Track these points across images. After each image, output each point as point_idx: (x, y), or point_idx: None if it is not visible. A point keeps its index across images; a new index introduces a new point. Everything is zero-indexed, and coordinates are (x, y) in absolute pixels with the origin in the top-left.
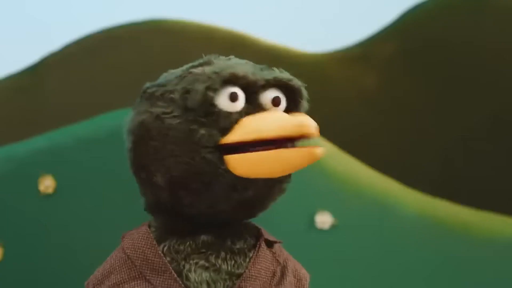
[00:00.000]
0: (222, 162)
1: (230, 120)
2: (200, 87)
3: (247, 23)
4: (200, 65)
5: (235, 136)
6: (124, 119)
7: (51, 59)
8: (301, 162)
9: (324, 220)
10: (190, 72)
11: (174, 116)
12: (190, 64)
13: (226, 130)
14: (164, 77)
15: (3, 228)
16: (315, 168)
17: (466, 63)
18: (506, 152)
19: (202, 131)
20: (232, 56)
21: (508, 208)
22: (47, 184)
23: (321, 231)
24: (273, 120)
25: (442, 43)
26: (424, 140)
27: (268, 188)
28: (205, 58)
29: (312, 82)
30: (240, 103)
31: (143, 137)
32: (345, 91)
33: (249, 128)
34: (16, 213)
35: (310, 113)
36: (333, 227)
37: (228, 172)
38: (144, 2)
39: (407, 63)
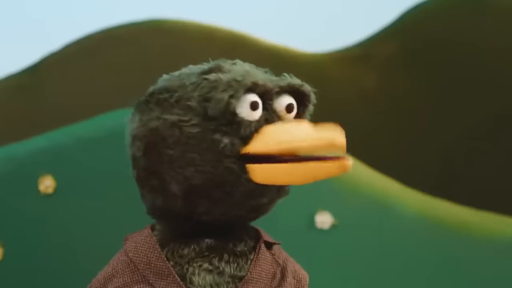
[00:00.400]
0: (245, 171)
1: (250, 129)
2: (223, 95)
3: (247, 23)
4: (212, 70)
5: (257, 146)
6: (124, 119)
7: (51, 59)
8: (331, 174)
9: (324, 220)
10: (206, 79)
11: (193, 125)
12: (199, 68)
13: (247, 139)
14: (170, 80)
15: (3, 228)
16: None
17: (466, 63)
18: (506, 152)
19: (225, 140)
20: (237, 60)
21: (508, 208)
22: (47, 184)
23: (321, 231)
24: (301, 132)
25: (442, 43)
26: (424, 140)
27: (279, 193)
28: (214, 63)
29: (312, 82)
30: (259, 111)
31: (157, 145)
32: (345, 91)
33: (274, 139)
34: (16, 213)
35: (311, 113)
36: (333, 227)
37: (249, 181)
38: (144, 2)
39: (407, 63)
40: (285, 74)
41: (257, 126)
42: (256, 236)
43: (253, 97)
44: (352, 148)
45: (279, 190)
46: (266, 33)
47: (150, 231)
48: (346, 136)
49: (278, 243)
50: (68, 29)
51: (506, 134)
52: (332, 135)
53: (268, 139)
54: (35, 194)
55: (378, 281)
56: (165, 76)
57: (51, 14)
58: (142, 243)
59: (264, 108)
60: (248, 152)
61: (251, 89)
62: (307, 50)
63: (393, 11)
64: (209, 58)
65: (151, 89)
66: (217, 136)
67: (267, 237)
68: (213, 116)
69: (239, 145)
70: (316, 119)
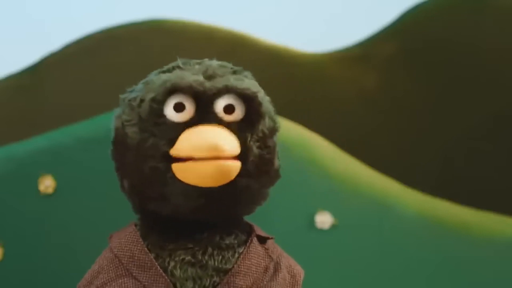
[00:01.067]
0: (169, 170)
1: (176, 131)
2: (147, 96)
3: (247, 23)
4: (165, 71)
5: (174, 150)
6: None
7: (51, 59)
8: (210, 175)
9: (324, 220)
10: (149, 81)
11: (132, 125)
12: (159, 70)
13: (173, 141)
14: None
15: (3, 228)
16: (315, 168)
17: (466, 63)
18: (507, 152)
19: (150, 141)
20: (204, 60)
21: (508, 208)
22: (47, 184)
23: (321, 231)
24: (195, 140)
25: (442, 43)
26: (424, 140)
27: (225, 196)
28: (176, 63)
29: (312, 82)
30: (188, 113)
31: (114, 143)
32: (345, 91)
33: (182, 144)
34: (16, 213)
35: (311, 113)
36: (333, 227)
37: (176, 180)
38: (144, 2)
39: (407, 63)
40: (242, 76)
41: (186, 127)
42: (249, 230)
43: (178, 99)
44: (352, 148)
45: (222, 193)
46: (266, 33)
47: (134, 227)
48: (346, 136)
49: (271, 238)
50: (68, 29)
51: (506, 134)
52: (215, 141)
53: (179, 145)
54: (35, 194)
55: (378, 281)
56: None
57: (51, 14)
58: (125, 238)
59: (201, 110)
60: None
61: (175, 91)
62: (307, 50)
63: (393, 11)
64: (209, 58)
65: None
66: (145, 135)
67: (260, 231)
68: (143, 117)
69: (164, 146)
70: (316, 119)
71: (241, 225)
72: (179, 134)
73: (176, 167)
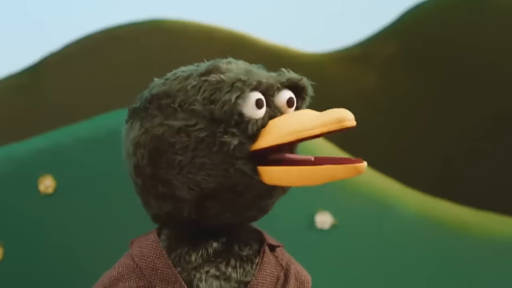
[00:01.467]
0: (256, 173)
1: (257, 127)
2: (228, 96)
3: (247, 23)
4: (210, 71)
5: (267, 140)
6: (124, 119)
7: (51, 59)
8: (344, 177)
9: (324, 220)
10: (206, 81)
11: (200, 129)
12: (195, 70)
13: (254, 137)
14: (162, 84)
15: (3, 228)
16: None
17: (466, 63)
18: (507, 152)
19: (235, 142)
20: (230, 58)
21: (508, 208)
22: (47, 184)
23: (321, 231)
24: (310, 118)
25: (442, 43)
26: (424, 140)
27: (284, 193)
28: (211, 63)
29: (312, 82)
30: (264, 108)
31: (163, 152)
32: (345, 91)
33: (284, 130)
34: (16, 213)
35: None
36: (333, 227)
37: (260, 182)
38: (144, 2)
39: (407, 63)
40: (283, 69)
41: (262, 123)
42: (260, 238)
43: (258, 95)
44: (352, 148)
45: (283, 189)
46: (266, 33)
47: (156, 236)
48: (346, 136)
49: (281, 246)
50: (68, 29)
51: (506, 134)
52: (338, 114)
53: (277, 132)
54: (35, 194)
55: (378, 281)
56: (157, 81)
57: (51, 14)
58: (148, 248)
59: (268, 105)
60: (258, 149)
61: (255, 87)
62: (307, 50)
63: (393, 11)
64: (209, 58)
65: (147, 94)
66: (226, 138)
67: (270, 239)
68: (220, 118)
69: (248, 144)
70: None
71: (253, 232)
72: (259, 131)
73: (269, 170)
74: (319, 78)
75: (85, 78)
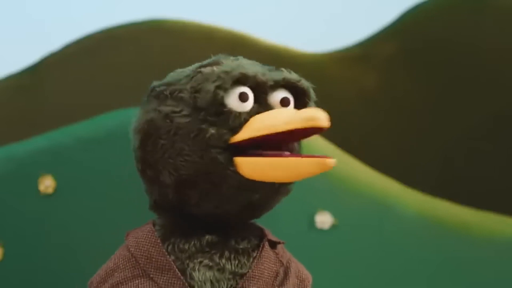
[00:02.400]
0: (231, 163)
1: (239, 120)
2: (211, 86)
3: (247, 23)
4: (209, 64)
5: (245, 133)
6: (124, 119)
7: (51, 59)
8: (310, 171)
9: (324, 220)
10: (200, 72)
11: (184, 115)
12: (199, 64)
13: (235, 130)
14: (172, 76)
15: (3, 228)
16: None
17: (466, 63)
18: (507, 152)
19: (212, 131)
20: (240, 57)
21: (508, 208)
22: (47, 184)
23: (321, 231)
24: (283, 115)
25: (442, 43)
26: (424, 140)
27: (274, 191)
28: (214, 58)
29: (312, 82)
30: (250, 103)
31: (151, 136)
32: (345, 91)
33: (259, 124)
34: (16, 213)
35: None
36: (333, 227)
37: (236, 173)
38: (144, 2)
39: (407, 63)
40: (283, 69)
41: (247, 118)
42: (261, 234)
43: (243, 89)
44: (352, 148)
45: (275, 188)
46: (266, 33)
47: (151, 227)
48: (346, 136)
49: (282, 243)
50: (68, 29)
51: (506, 134)
52: (310, 113)
53: (254, 126)
54: (35, 194)
55: (378, 281)
56: (171, 73)
57: (51, 14)
58: (143, 238)
59: (258, 102)
60: (236, 142)
61: (240, 80)
62: (307, 50)
63: (393, 11)
64: (209, 58)
65: (153, 83)
66: (204, 126)
67: (271, 236)
68: (201, 107)
69: (226, 135)
70: None
71: (253, 229)
72: (243, 124)
73: (242, 160)
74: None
75: (85, 78)
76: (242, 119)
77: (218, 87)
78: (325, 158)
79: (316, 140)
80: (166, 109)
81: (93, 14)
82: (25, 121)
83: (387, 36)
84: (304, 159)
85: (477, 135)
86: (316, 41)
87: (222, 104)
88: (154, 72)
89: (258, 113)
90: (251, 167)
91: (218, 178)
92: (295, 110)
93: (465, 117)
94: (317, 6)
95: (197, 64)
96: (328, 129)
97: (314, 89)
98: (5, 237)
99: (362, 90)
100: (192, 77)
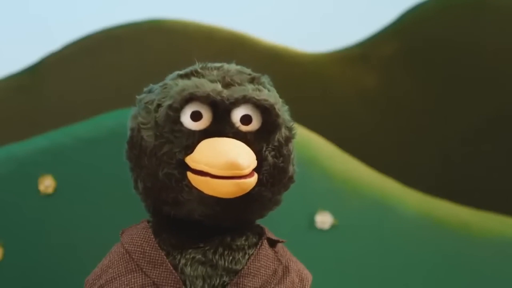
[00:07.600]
0: (185, 178)
1: (192, 139)
2: (165, 104)
3: (247, 23)
4: (187, 75)
5: (191, 160)
6: (124, 119)
7: (51, 59)
8: (228, 192)
9: (324, 220)
10: (165, 86)
11: (148, 128)
12: (177, 73)
13: (188, 148)
14: (162, 83)
15: (3, 228)
16: (315, 168)
17: (466, 63)
18: (506, 152)
19: (166, 148)
20: (223, 64)
21: (508, 208)
22: (47, 184)
23: (321, 231)
24: (212, 156)
25: (442, 43)
26: (424, 140)
27: (240, 205)
28: (196, 66)
29: (312, 82)
30: (205, 121)
31: (129, 144)
32: (345, 91)
33: (199, 158)
34: (16, 213)
35: (311, 113)
36: (333, 227)
37: (192, 188)
38: (144, 2)
39: (407, 63)
40: (257, 84)
41: (203, 136)
42: (261, 232)
43: (196, 107)
44: (352, 148)
45: (237, 202)
46: (266, 33)
47: (146, 223)
48: (346, 136)
49: (282, 241)
50: (68, 29)
51: (506, 134)
52: (232, 158)
53: (195, 157)
54: (35, 194)
55: (378, 281)
56: (169, 75)
57: (51, 13)
58: (137, 234)
59: (217, 118)
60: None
61: (192, 99)
62: (307, 50)
63: (393, 11)
64: (209, 58)
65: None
66: (160, 141)
67: (271, 234)
68: (160, 123)
69: (179, 154)
70: (316, 119)
71: (253, 228)
72: (196, 142)
73: (192, 177)
74: (319, 78)
75: (85, 78)
76: (195, 138)
77: (169, 107)
78: (242, 180)
79: (316, 140)
80: (139, 119)
81: (93, 14)
82: (25, 121)
83: (387, 36)
84: (219, 180)
85: (477, 135)
86: (316, 40)
87: (177, 122)
88: (154, 72)
89: (216, 130)
90: (195, 182)
91: (175, 193)
92: (231, 146)
93: (465, 117)
94: (317, 6)
95: (176, 73)
96: (328, 129)
97: (314, 89)
98: (5, 237)
99: (362, 90)
100: (163, 89)
